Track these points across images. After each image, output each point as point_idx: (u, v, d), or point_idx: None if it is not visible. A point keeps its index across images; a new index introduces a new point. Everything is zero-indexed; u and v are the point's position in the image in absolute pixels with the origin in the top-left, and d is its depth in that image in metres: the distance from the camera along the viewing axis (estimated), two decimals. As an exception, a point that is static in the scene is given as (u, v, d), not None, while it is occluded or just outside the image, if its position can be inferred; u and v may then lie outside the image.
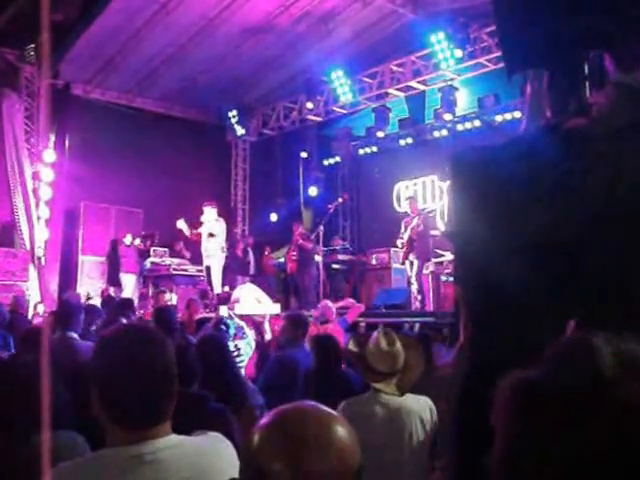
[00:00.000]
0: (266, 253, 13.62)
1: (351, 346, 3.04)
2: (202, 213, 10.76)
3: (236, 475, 1.58)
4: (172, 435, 1.53)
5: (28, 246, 11.52)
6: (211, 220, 10.71)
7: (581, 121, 1.71)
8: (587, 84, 1.84)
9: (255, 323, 6.68)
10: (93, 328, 5.61)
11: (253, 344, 5.57)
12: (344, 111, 13.26)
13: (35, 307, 9.95)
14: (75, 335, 4.77)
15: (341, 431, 1.01)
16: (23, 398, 1.93)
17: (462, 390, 1.86)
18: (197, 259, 11.69)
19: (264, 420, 1.03)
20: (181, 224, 10.75)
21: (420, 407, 2.88)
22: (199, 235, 10.76)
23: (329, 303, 7.08)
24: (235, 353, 4.86)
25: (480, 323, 1.86)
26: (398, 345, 2.91)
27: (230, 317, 6.19)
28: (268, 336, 6.38)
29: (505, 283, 1.75)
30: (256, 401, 3.61)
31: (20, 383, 2.03)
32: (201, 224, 10.74)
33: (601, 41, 1.80)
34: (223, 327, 5.15)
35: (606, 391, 0.75)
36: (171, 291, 10.61)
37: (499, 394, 0.81)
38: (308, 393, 4.04)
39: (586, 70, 1.85)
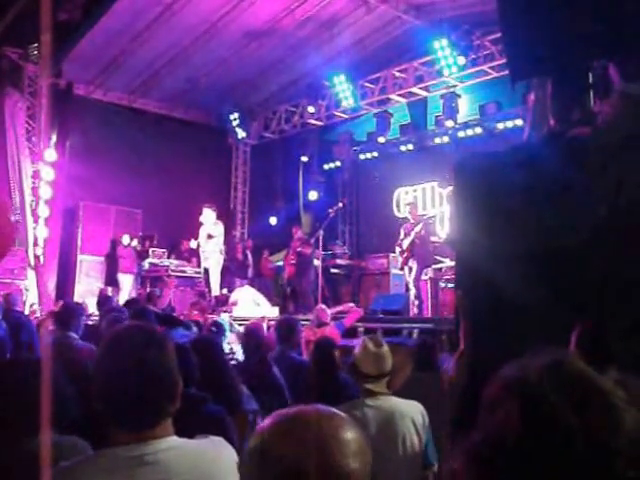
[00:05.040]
0: (265, 256, 13.60)
1: (337, 355, 3.11)
2: (201, 214, 10.80)
3: None
4: (173, 437, 1.53)
5: (27, 245, 11.51)
6: (209, 222, 10.76)
7: (585, 130, 1.71)
8: (591, 93, 1.84)
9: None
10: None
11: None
12: (345, 116, 13.26)
13: (31, 307, 9.93)
14: (75, 336, 4.79)
15: (354, 432, 1.02)
16: (23, 398, 1.92)
17: (462, 397, 1.86)
18: (195, 261, 11.73)
19: (268, 421, 1.02)
20: (193, 243, 10.88)
21: (412, 411, 2.91)
22: (198, 244, 10.85)
23: (323, 306, 7.13)
24: (230, 356, 4.84)
25: (481, 329, 1.85)
26: (385, 347, 2.98)
27: (230, 324, 6.18)
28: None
29: (506, 289, 1.74)
30: (250, 406, 3.59)
31: (20, 382, 2.01)
32: (200, 224, 10.79)
33: (606, 50, 1.80)
34: (214, 329, 5.13)
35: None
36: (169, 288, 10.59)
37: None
38: (303, 397, 4.02)
39: (590, 79, 1.85)
